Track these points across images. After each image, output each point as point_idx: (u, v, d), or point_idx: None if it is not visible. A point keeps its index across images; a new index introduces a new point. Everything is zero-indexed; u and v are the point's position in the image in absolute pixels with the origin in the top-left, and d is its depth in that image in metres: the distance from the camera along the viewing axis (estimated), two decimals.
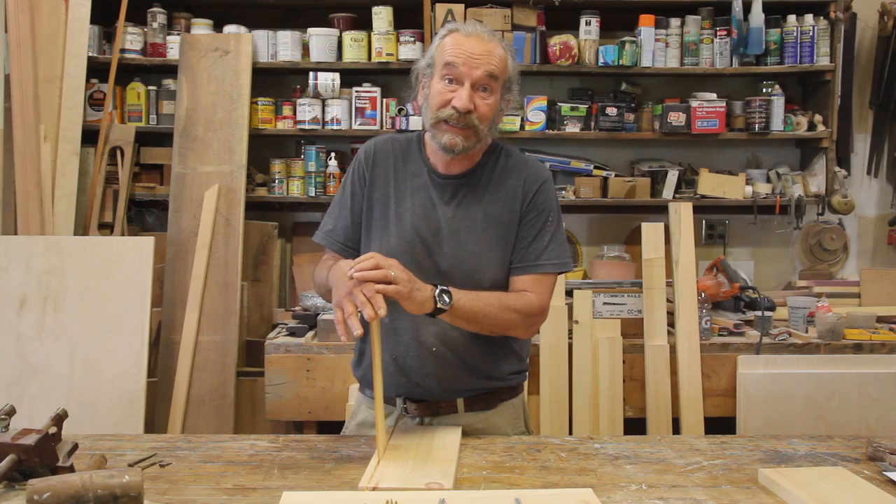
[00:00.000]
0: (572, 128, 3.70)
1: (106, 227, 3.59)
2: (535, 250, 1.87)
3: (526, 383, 3.10)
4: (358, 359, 1.98)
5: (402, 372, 1.86)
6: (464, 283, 1.80)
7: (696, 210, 3.50)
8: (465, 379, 1.87)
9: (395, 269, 1.64)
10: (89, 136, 3.59)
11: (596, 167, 3.78)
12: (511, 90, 1.88)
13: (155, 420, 3.33)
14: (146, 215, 3.79)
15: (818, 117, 3.76)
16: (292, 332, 3.25)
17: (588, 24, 3.65)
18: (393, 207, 1.89)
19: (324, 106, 3.69)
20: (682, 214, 3.31)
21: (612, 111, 3.70)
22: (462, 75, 1.77)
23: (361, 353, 1.96)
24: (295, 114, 3.70)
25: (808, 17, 3.70)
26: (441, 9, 3.62)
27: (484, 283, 1.83)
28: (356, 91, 3.68)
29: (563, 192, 3.73)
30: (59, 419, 1.53)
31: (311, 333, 3.26)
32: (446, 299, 1.69)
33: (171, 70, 3.68)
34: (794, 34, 3.70)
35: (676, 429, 3.13)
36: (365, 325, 1.60)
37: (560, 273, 1.92)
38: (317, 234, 1.99)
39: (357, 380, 2.03)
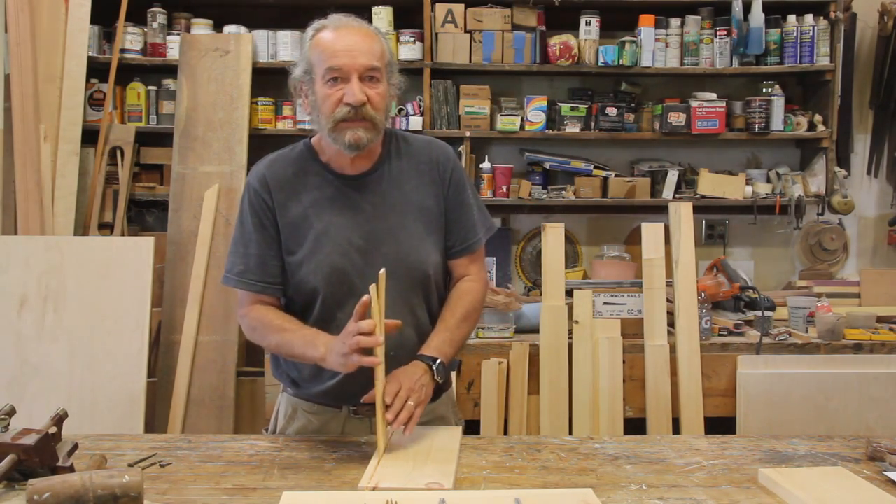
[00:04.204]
0: (572, 128, 3.70)
1: (106, 227, 3.59)
2: (469, 227, 1.90)
3: (525, 382, 3.12)
4: (278, 361, 1.92)
5: (360, 382, 1.74)
6: (409, 276, 1.81)
7: (696, 210, 3.50)
8: None
9: (415, 393, 1.66)
10: (89, 136, 3.59)
11: (596, 167, 3.78)
12: (394, 73, 1.81)
13: (155, 420, 3.33)
14: (146, 215, 3.79)
15: (818, 117, 3.76)
16: None
17: (588, 24, 3.65)
18: (314, 226, 1.80)
19: None
20: (682, 214, 3.31)
21: (612, 111, 3.70)
22: (346, 70, 1.71)
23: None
24: (295, 114, 3.70)
25: (808, 17, 3.70)
26: (441, 9, 3.63)
27: (429, 270, 1.84)
28: None
29: (563, 192, 3.73)
30: (59, 419, 1.53)
31: None
32: (442, 370, 1.76)
33: (171, 70, 3.68)
34: (794, 34, 3.70)
35: (676, 429, 3.13)
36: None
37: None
38: (226, 278, 1.85)
39: (281, 381, 1.95)
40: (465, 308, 1.87)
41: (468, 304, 1.88)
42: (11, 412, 1.52)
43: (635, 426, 3.16)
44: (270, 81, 3.78)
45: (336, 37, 1.74)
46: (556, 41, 3.64)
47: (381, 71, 1.76)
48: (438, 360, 1.76)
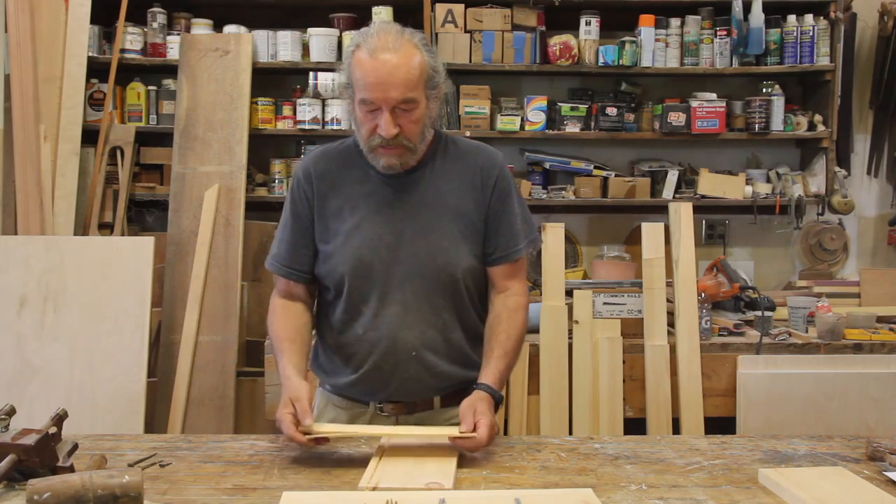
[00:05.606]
0: (572, 128, 3.70)
1: (106, 227, 3.59)
2: (511, 236, 1.89)
3: (525, 382, 3.12)
4: (317, 352, 1.97)
5: (381, 379, 1.84)
6: (436, 276, 1.81)
7: (696, 210, 3.50)
8: (446, 374, 1.86)
9: (487, 430, 1.65)
10: (89, 136, 3.59)
11: (596, 167, 3.78)
12: (436, 84, 1.79)
13: (155, 420, 3.33)
14: (146, 215, 3.79)
15: (818, 117, 3.76)
16: None
17: (588, 24, 3.65)
18: (349, 219, 1.84)
19: (324, 106, 3.69)
20: (682, 214, 3.31)
21: (612, 111, 3.70)
22: (378, 102, 1.71)
23: (324, 341, 1.96)
24: (295, 114, 3.70)
25: (808, 17, 3.70)
26: (441, 9, 3.63)
27: (457, 273, 1.83)
28: None
29: (563, 192, 3.73)
30: (59, 419, 1.53)
31: None
32: (501, 397, 1.79)
33: (171, 70, 3.68)
34: (794, 34, 3.70)
35: (676, 429, 3.13)
36: None
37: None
38: (266, 260, 1.97)
39: (317, 374, 1.99)
40: (518, 330, 1.88)
41: (514, 318, 1.88)
42: (11, 412, 1.52)
43: (635, 426, 3.16)
44: (270, 81, 3.79)
45: (371, 66, 1.70)
46: (556, 41, 3.64)
47: (416, 98, 1.74)
48: (491, 387, 1.77)
